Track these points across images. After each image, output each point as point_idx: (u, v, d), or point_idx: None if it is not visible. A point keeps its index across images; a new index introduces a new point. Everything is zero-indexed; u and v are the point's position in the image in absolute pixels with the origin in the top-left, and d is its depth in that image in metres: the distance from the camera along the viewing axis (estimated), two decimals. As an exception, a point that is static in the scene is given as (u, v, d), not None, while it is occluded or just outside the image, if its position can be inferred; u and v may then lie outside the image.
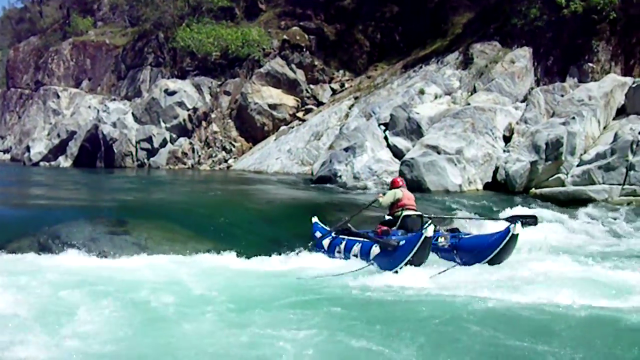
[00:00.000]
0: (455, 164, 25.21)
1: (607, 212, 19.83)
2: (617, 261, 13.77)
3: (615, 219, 19.00)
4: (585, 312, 9.73)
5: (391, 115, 29.69)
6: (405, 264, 12.59)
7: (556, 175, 23.93)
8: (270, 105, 41.02)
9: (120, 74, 51.26)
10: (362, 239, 14.03)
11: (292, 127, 39.84)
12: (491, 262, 12.87)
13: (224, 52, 44.60)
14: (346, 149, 28.21)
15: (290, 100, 41.64)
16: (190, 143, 41.46)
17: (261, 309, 9.97)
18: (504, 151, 26.56)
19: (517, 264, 12.91)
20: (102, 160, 41.91)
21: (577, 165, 23.66)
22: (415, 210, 14.52)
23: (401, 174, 25.57)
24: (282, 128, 40.35)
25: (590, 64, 31.94)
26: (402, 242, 12.81)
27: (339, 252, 14.31)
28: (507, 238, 12.75)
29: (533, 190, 23.68)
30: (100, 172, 38.35)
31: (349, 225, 14.86)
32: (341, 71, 43.90)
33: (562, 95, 27.63)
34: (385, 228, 14.11)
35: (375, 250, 13.28)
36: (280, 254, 14.20)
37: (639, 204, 20.92)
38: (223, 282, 11.57)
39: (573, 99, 26.46)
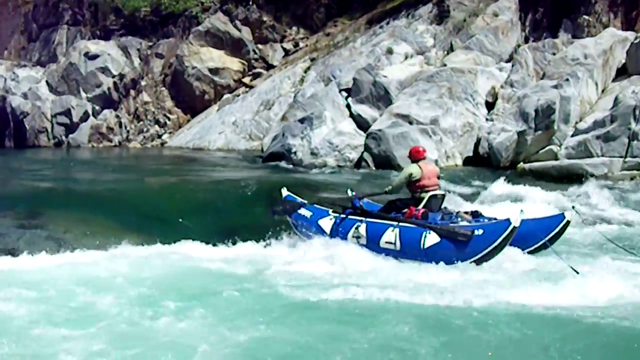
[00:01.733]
0: (430, 136, 25.20)
1: (607, 190, 19.89)
2: (623, 252, 13.73)
3: (617, 198, 19.05)
4: (571, 313, 9.74)
5: (354, 79, 29.55)
6: (478, 260, 12.22)
7: (548, 147, 24.00)
8: (211, 70, 40.63)
9: (31, 36, 50.34)
10: (397, 223, 13.06)
11: (238, 96, 39.50)
12: (537, 249, 13.16)
13: (155, 7, 44.05)
14: (302, 120, 28.09)
15: (234, 64, 41.29)
16: (117, 116, 40.92)
17: (205, 310, 9.83)
18: (487, 120, 26.63)
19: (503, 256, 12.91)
20: (12, 138, 41.21)
21: (572, 135, 23.74)
22: (439, 189, 14.09)
23: (366, 148, 25.51)
24: (225, 96, 39.99)
25: (586, 17, 32.12)
26: (479, 231, 12.30)
27: (356, 237, 13.42)
28: (562, 224, 13.19)
29: (521, 165, 23.72)
30: (10, 153, 37.70)
31: (361, 204, 14.06)
32: (294, 28, 43.59)
33: (554, 54, 27.71)
34: (423, 210, 13.22)
35: (432, 238, 12.49)
36: (228, 244, 14.09)
37: (643, 179, 21.12)
38: (158, 281, 11.34)
39: (566, 57, 26.54)
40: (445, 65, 30.36)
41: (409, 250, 12.67)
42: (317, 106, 28.81)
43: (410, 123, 25.46)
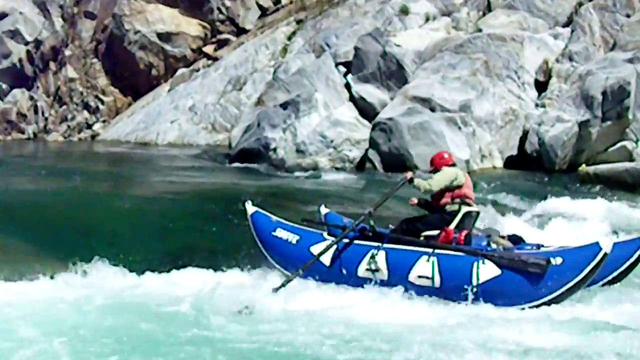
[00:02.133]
0: (460, 128, 25.16)
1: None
2: None
3: None
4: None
5: (355, 49, 29.59)
6: (554, 299, 11.86)
7: (620, 144, 24.02)
8: (160, 36, 40.64)
9: None
10: (432, 249, 12.64)
11: (197, 71, 39.55)
12: (609, 283, 12.96)
13: (85, -51, 44.16)
14: (284, 106, 28.05)
15: (192, 27, 41.31)
16: (32, 98, 40.87)
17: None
18: (537, 106, 26.59)
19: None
20: None
21: (654, 128, 23.84)
22: (475, 205, 13.65)
23: (373, 144, 25.39)
24: (180, 72, 40.03)
25: (672, -36, 32.20)
26: (556, 260, 11.88)
27: (372, 270, 12.80)
28: (638, 252, 12.98)
29: (583, 167, 23.63)
30: None
31: (371, 222, 13.34)
32: (275, -22, 43.75)
33: (628, 16, 27.72)
34: (466, 232, 12.73)
35: (488, 270, 12.03)
36: (179, 275, 13.94)
37: None
38: (86, 325, 11.21)
39: (645, 21, 26.66)
40: (480, 30, 30.34)
41: (455, 288, 12.13)
42: (306, 86, 28.77)
43: (433, 110, 25.40)
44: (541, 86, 27.36)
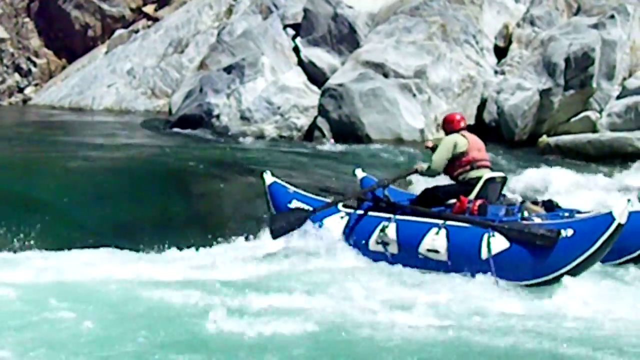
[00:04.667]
0: (414, 95, 25.05)
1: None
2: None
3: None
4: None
5: (305, 10, 29.41)
6: (566, 273, 11.45)
7: (583, 114, 24.00)
8: (97, -6, 40.37)
9: None
10: (442, 221, 12.35)
11: (136, 32, 39.22)
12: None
13: None
14: (228, 70, 27.86)
15: (131, -15, 41.06)
16: (-42, 59, 40.56)
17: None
18: (496, 73, 26.56)
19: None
20: None
21: (618, 97, 23.76)
22: (492, 170, 13.34)
23: (322, 111, 25.23)
24: (118, 33, 39.67)
25: None
26: (567, 231, 11.49)
27: (382, 243, 12.74)
28: None
29: (544, 138, 23.67)
30: None
31: (386, 193, 13.34)
32: None
33: (593, -22, 27.78)
34: (480, 201, 12.38)
35: (498, 243, 11.76)
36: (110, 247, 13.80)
37: None
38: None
39: (611, -16, 26.63)
40: (436, -8, 30.25)
41: (463, 262, 11.98)
42: (251, 49, 28.59)
43: (386, 75, 25.27)
44: (501, 52, 27.37)
